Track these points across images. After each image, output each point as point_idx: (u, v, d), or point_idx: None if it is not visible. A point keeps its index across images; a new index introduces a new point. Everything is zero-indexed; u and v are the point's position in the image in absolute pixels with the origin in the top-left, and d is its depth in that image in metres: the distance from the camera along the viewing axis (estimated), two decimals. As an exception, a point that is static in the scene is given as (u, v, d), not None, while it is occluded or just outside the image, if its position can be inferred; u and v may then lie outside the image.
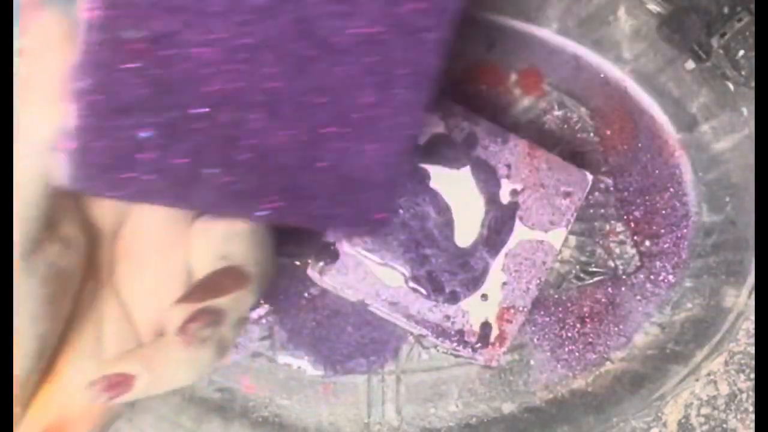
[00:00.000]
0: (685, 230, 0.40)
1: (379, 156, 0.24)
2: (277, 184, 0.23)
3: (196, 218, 0.25)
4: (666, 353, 0.39)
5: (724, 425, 0.39)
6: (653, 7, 0.39)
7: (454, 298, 0.35)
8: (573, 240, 0.39)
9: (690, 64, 0.39)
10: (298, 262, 0.39)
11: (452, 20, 0.23)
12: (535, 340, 0.39)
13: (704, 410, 0.39)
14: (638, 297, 0.40)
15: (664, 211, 0.39)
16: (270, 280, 0.26)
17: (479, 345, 0.35)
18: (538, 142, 0.39)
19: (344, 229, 0.26)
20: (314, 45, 0.22)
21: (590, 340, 0.39)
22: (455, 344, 0.35)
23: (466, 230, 0.35)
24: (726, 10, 0.38)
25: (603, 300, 0.40)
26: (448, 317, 0.35)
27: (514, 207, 0.35)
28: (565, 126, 0.40)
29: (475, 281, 0.35)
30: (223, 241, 0.24)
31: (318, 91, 0.23)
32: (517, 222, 0.36)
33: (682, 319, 0.39)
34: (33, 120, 0.20)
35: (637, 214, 0.40)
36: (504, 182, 0.35)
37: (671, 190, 0.40)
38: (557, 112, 0.40)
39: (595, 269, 0.39)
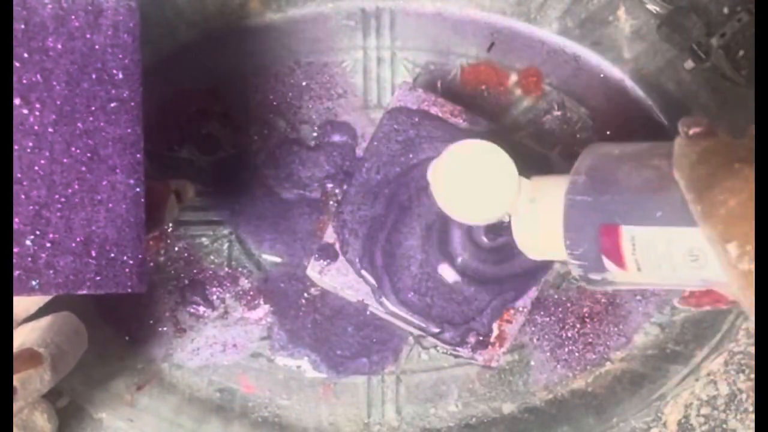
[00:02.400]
0: (685, 230, 0.39)
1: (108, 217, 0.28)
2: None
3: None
4: (666, 353, 0.39)
5: (724, 425, 0.39)
6: (653, 7, 0.39)
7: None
8: (573, 240, 0.39)
9: (690, 64, 0.39)
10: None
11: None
12: (535, 340, 0.39)
13: (704, 410, 0.39)
14: (638, 297, 0.40)
15: (664, 211, 0.39)
16: (74, 357, 0.31)
17: (479, 345, 0.35)
18: (538, 142, 0.39)
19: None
20: None
21: (590, 340, 0.39)
22: (455, 344, 0.35)
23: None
24: (726, 10, 0.38)
25: (603, 300, 0.40)
26: (448, 317, 0.35)
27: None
28: (565, 126, 0.40)
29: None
30: (25, 333, 0.30)
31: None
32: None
33: (682, 319, 0.39)
34: None
35: (637, 214, 0.39)
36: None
37: (671, 190, 0.40)
38: (557, 112, 0.40)
39: (595, 269, 0.39)
